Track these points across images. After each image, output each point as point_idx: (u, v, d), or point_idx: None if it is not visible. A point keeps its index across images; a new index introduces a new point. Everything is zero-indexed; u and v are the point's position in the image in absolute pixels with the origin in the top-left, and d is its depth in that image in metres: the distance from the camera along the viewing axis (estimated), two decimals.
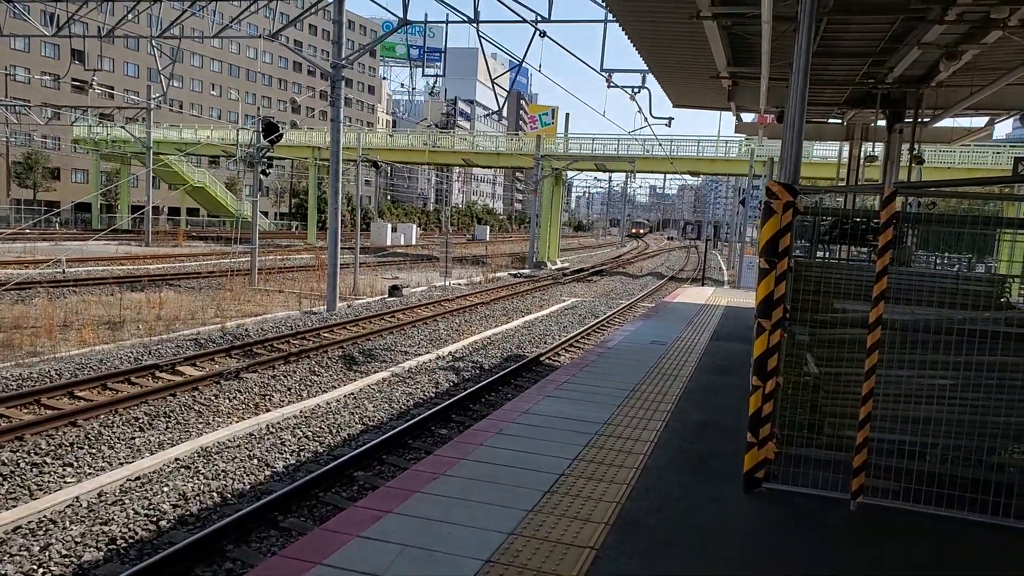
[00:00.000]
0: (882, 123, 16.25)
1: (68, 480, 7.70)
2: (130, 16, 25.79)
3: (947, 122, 17.71)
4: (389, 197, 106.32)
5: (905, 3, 9.77)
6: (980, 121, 18.95)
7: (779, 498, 5.01)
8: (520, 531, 4.33)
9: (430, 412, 10.20)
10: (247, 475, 8.03)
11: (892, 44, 11.81)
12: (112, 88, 69.37)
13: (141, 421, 9.69)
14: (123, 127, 49.10)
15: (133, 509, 6.88)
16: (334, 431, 9.70)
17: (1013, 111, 15.91)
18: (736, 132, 26.13)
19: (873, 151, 19.82)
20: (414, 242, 60.61)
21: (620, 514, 4.65)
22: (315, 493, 7.48)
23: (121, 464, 8.19)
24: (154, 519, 6.77)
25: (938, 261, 10.61)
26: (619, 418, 6.96)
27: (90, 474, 7.88)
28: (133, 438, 9.09)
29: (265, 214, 74.62)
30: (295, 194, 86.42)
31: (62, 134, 67.14)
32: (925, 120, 15.80)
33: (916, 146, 15.26)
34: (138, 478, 7.68)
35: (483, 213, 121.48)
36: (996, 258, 9.36)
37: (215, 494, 7.46)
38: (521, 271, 38.32)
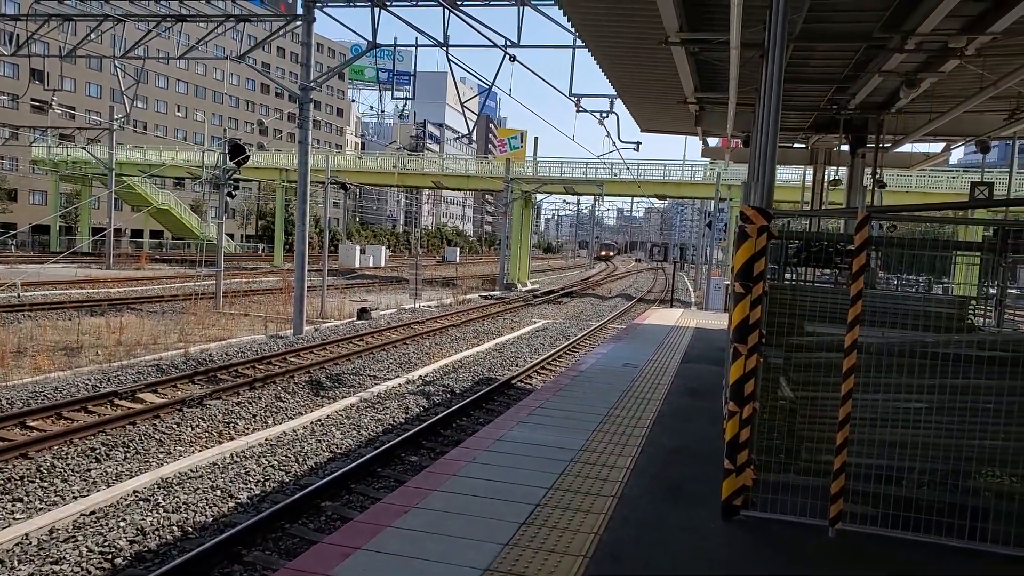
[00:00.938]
0: (845, 148, 16.53)
1: (17, 516, 7.37)
2: (93, 36, 25.42)
3: (907, 147, 18.08)
4: (358, 219, 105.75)
5: (868, 32, 9.96)
6: (938, 146, 19.36)
7: (758, 526, 4.94)
8: (496, 567, 4.18)
9: (400, 439, 10.00)
10: (210, 507, 7.77)
11: (855, 71, 12.03)
12: (73, 108, 68.19)
13: (98, 452, 9.36)
14: (84, 148, 48.24)
15: (87, 546, 6.59)
16: (301, 459, 9.46)
17: (969, 137, 16.26)
18: (702, 156, 26.51)
19: (837, 175, 20.12)
20: (383, 264, 60.27)
21: (598, 546, 4.52)
22: (281, 525, 7.24)
23: (75, 498, 7.87)
24: (109, 557, 6.49)
25: (898, 282, 10.76)
26: (594, 444, 6.86)
27: (41, 509, 7.55)
28: (89, 470, 8.76)
29: (231, 236, 73.76)
30: (262, 216, 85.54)
31: (20, 154, 65.82)
32: (886, 145, 16.10)
33: (878, 170, 15.53)
34: (93, 512, 7.37)
35: (453, 235, 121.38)
36: (952, 279, 9.51)
37: (175, 528, 7.19)
38: (492, 293, 38.23)
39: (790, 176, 39.84)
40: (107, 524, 7.10)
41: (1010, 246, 7.41)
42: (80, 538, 6.77)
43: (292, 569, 4.13)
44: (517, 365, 16.64)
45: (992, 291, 8.50)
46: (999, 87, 10.85)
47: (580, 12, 10.15)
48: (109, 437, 9.88)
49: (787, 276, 7.91)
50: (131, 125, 58.81)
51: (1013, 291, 9.33)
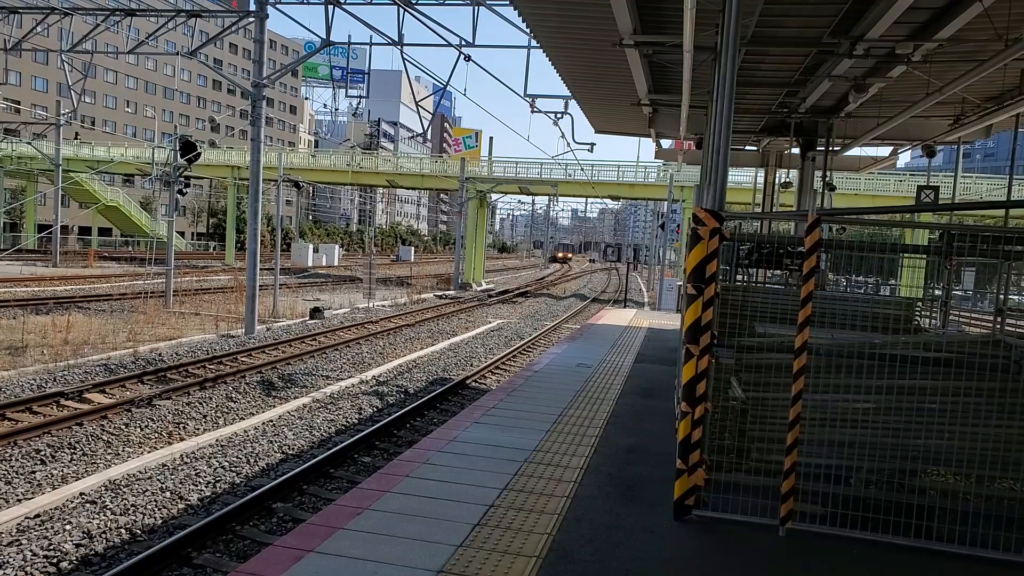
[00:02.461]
0: (796, 151, 16.85)
1: None
2: (39, 29, 24.68)
3: (855, 151, 18.51)
4: (311, 217, 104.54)
5: (818, 37, 10.18)
6: (885, 150, 19.86)
7: (710, 525, 5.00)
8: (449, 568, 4.17)
9: (353, 439, 9.90)
10: (159, 509, 7.60)
11: (805, 76, 12.28)
12: (18, 102, 66.40)
13: (43, 453, 9.09)
14: (30, 143, 46.82)
15: (31, 550, 6.40)
16: (252, 460, 9.31)
17: (916, 142, 16.71)
18: (656, 157, 26.69)
19: (788, 177, 20.50)
20: (336, 263, 59.68)
21: (552, 547, 4.54)
22: (232, 527, 7.12)
23: (19, 501, 7.63)
24: (54, 560, 6.31)
25: (847, 284, 11.02)
26: (548, 444, 6.88)
27: None
28: (33, 472, 8.51)
29: (182, 234, 72.36)
30: (213, 214, 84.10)
31: None
32: (836, 149, 16.46)
33: (828, 173, 15.87)
34: (37, 516, 7.16)
35: (407, 234, 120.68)
36: (898, 282, 9.76)
37: (123, 531, 7.03)
38: (446, 292, 38.10)
39: (742, 178, 40.45)
40: (52, 527, 6.91)
41: (955, 249, 7.63)
42: (24, 542, 6.58)
43: (243, 572, 4.06)
44: (472, 365, 16.61)
45: (937, 293, 8.74)
46: (944, 93, 11.15)
47: (534, 12, 10.18)
48: (55, 438, 9.61)
49: (738, 277, 8.03)
50: (79, 120, 57.26)
51: (957, 293, 9.62)
